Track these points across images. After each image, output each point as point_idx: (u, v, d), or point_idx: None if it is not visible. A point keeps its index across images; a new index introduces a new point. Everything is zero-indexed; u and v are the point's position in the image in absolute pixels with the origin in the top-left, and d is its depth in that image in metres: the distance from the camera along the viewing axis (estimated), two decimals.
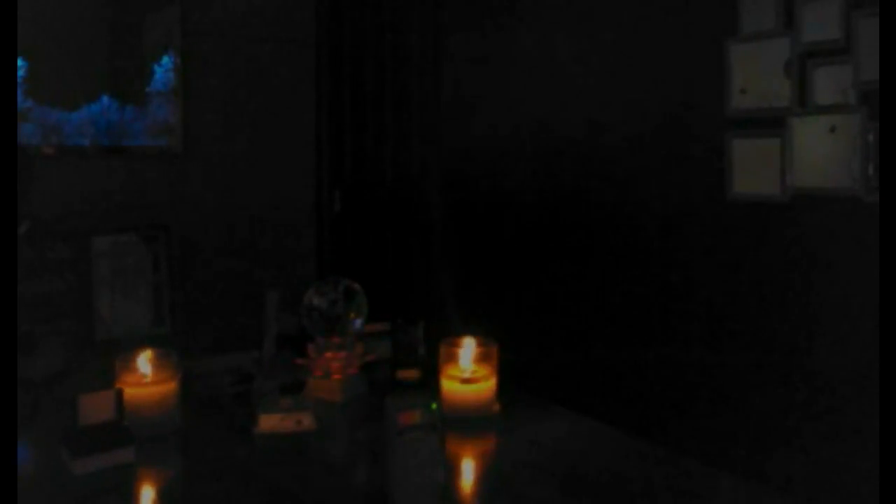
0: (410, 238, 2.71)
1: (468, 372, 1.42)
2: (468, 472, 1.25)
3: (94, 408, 1.22)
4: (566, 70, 2.20)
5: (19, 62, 2.47)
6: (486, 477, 1.24)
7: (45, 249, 2.47)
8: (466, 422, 1.37)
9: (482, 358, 1.43)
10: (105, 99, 2.66)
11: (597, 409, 1.45)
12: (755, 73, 1.74)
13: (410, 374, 1.61)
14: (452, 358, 1.43)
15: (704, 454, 1.29)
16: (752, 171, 1.75)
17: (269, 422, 1.33)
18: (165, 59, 2.77)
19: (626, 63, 2.04)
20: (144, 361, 1.37)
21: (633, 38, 2.02)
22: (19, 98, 2.47)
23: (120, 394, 1.25)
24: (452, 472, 1.20)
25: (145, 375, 1.36)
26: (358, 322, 1.61)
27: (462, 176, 2.57)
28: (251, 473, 1.20)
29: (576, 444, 1.32)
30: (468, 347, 1.44)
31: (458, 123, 2.57)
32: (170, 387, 1.35)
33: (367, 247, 2.92)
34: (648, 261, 1.99)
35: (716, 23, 1.81)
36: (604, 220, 2.11)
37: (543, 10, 2.26)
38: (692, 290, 1.88)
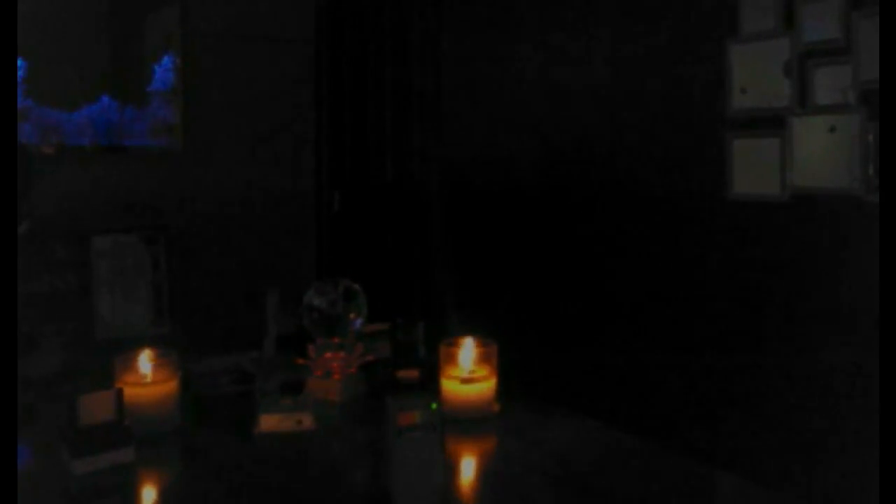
0: (410, 238, 2.71)
1: (468, 372, 1.42)
2: (468, 472, 1.25)
3: (94, 408, 1.22)
4: (566, 71, 2.20)
5: (19, 62, 2.47)
6: (486, 477, 1.24)
7: (45, 249, 2.47)
8: (466, 422, 1.37)
9: (482, 358, 1.43)
10: (105, 99, 2.66)
11: (597, 409, 1.45)
12: (755, 73, 1.74)
13: (410, 374, 1.61)
14: (452, 358, 1.43)
15: (705, 454, 1.29)
16: (752, 171, 1.75)
17: (269, 422, 1.33)
18: (165, 59, 2.77)
19: (626, 63, 2.04)
20: (144, 361, 1.37)
21: (633, 38, 2.02)
22: (19, 98, 2.47)
23: (120, 394, 1.25)
24: (452, 472, 1.20)
25: (145, 375, 1.36)
26: (358, 322, 1.60)
27: (462, 176, 2.57)
28: (251, 473, 1.20)
29: (575, 445, 1.32)
30: (468, 347, 1.44)
31: (458, 124, 2.57)
32: (170, 387, 1.35)
33: (367, 247, 2.92)
34: (648, 261, 1.99)
35: (716, 23, 1.82)
36: (603, 220, 2.11)
37: (543, 10, 2.26)
38: (692, 289, 1.88)
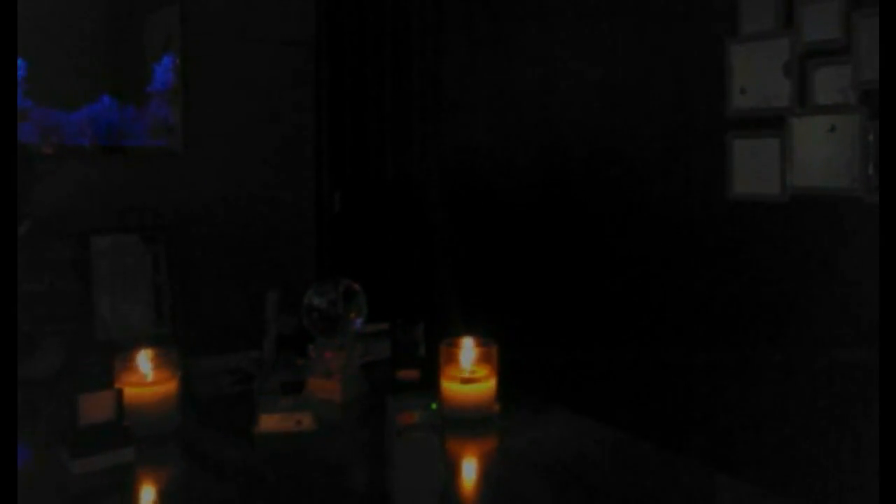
0: (410, 238, 2.71)
1: (468, 372, 1.42)
2: (468, 472, 1.25)
3: (94, 408, 1.22)
4: (566, 70, 2.20)
5: (19, 62, 2.47)
6: (486, 477, 1.24)
7: (45, 249, 2.47)
8: (466, 422, 1.37)
9: (482, 358, 1.43)
10: (105, 99, 2.66)
11: (596, 408, 1.45)
12: (755, 73, 1.74)
13: (410, 374, 1.61)
14: (452, 358, 1.43)
15: (704, 454, 1.29)
16: (752, 171, 1.75)
17: (269, 422, 1.33)
18: (165, 59, 2.77)
19: (626, 63, 2.04)
20: (144, 361, 1.37)
21: (633, 38, 2.02)
22: (19, 98, 2.47)
23: (120, 394, 1.25)
24: (452, 472, 1.20)
25: (145, 375, 1.36)
26: (358, 322, 1.60)
27: (462, 176, 2.57)
28: (251, 473, 1.20)
29: (575, 444, 1.32)
30: (468, 347, 1.44)
31: (458, 123, 2.57)
32: (170, 387, 1.35)
33: (367, 247, 2.92)
34: (648, 261, 1.99)
35: (716, 23, 1.82)
36: (603, 220, 2.11)
37: (543, 11, 2.26)
38: (692, 290, 1.88)
